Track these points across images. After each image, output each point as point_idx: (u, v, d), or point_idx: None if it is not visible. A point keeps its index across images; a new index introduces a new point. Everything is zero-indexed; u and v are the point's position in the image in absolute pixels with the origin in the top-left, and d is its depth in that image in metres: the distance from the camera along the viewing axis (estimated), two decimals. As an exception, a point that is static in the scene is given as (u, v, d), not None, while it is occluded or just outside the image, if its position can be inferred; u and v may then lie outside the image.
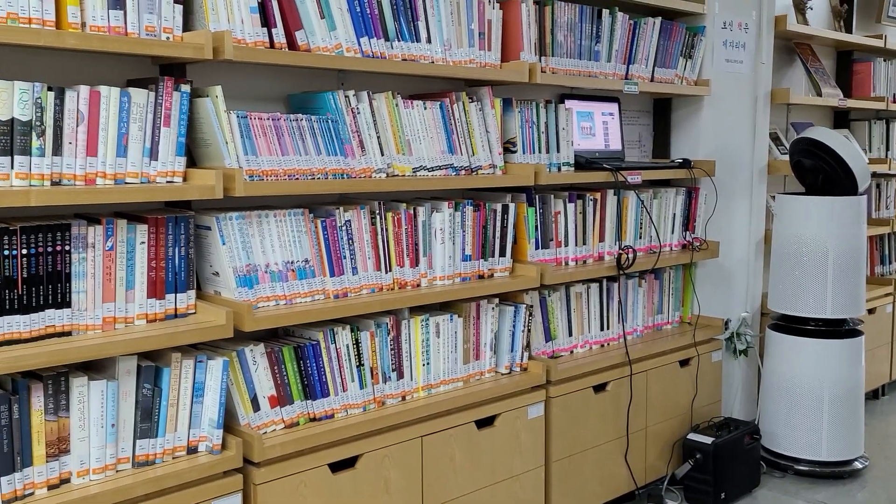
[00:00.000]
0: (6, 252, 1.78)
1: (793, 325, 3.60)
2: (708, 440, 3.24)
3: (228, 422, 2.12)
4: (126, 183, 1.94)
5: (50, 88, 1.81)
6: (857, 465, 3.60)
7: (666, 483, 3.29)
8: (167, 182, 2.02)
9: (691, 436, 3.29)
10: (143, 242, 1.99)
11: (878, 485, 3.50)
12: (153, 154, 1.99)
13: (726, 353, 3.73)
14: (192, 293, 2.09)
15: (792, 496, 3.38)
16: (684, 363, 3.39)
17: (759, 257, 3.92)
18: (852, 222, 3.50)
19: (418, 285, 2.52)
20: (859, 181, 3.53)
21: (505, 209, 2.73)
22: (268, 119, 2.18)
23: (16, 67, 1.99)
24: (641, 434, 3.20)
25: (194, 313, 2.10)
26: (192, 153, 2.20)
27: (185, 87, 2.04)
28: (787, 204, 3.59)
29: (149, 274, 2.01)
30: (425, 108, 2.54)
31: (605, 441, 3.04)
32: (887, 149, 4.90)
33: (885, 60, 4.78)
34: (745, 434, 3.36)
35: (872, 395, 4.71)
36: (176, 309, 2.06)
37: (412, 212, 2.49)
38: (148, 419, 1.97)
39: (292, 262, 2.24)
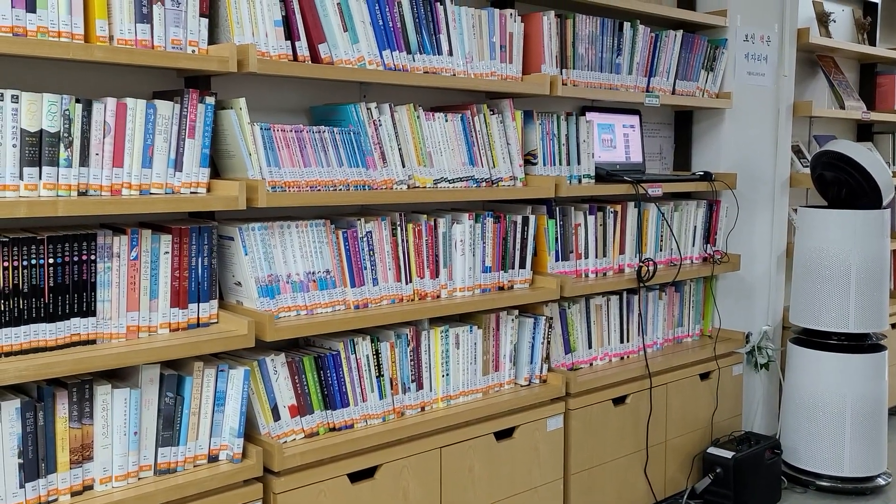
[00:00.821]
0: (33, 261, 1.81)
1: (815, 339, 3.57)
2: (728, 454, 3.21)
3: (249, 431, 2.14)
4: (151, 194, 1.97)
5: (78, 101, 1.84)
6: (881, 481, 3.56)
7: (686, 497, 3.26)
8: (191, 193, 2.04)
9: (711, 450, 3.27)
10: (166, 252, 2.01)
11: (901, 502, 3.47)
12: (178, 165, 2.02)
13: (747, 367, 3.71)
14: (215, 303, 2.11)
15: (814, 512, 3.35)
16: (705, 376, 3.37)
17: (780, 270, 3.89)
18: (876, 236, 3.47)
19: (438, 296, 2.53)
20: (884, 193, 3.50)
21: (525, 221, 2.74)
22: (291, 131, 2.20)
23: (45, 80, 2.03)
24: (661, 447, 3.19)
25: (216, 322, 2.12)
26: (216, 164, 2.22)
27: (210, 100, 2.06)
28: (810, 217, 3.56)
29: (172, 283, 2.03)
30: (446, 121, 2.55)
31: (625, 454, 3.03)
32: (911, 162, 4.85)
33: (909, 73, 4.75)
34: (766, 448, 3.33)
35: (892, 412, 4.64)
36: (199, 318, 2.08)
37: (433, 223, 2.50)
38: (170, 427, 1.99)
39: (313, 273, 2.26)
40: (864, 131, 4.79)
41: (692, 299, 3.47)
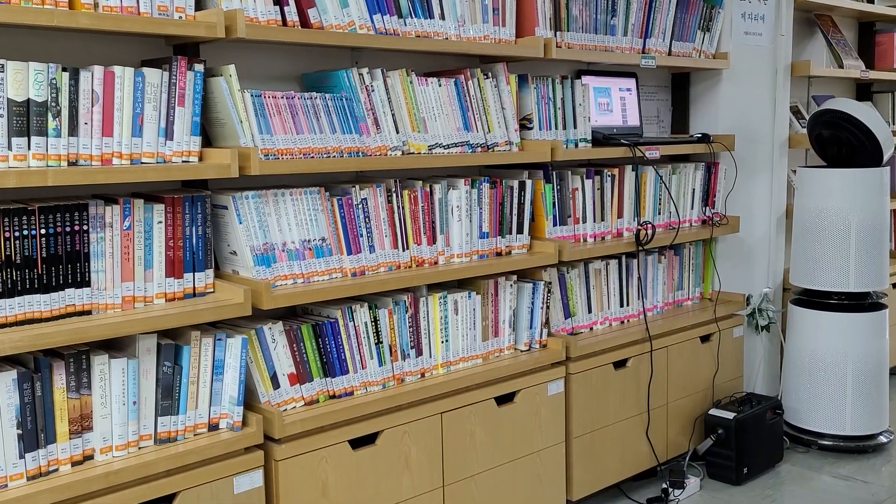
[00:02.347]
0: (25, 232, 1.80)
1: (815, 300, 3.56)
2: (730, 415, 3.22)
3: (248, 399, 2.14)
4: (142, 163, 1.95)
5: (64, 69, 1.82)
6: (882, 438, 3.57)
7: (688, 459, 3.27)
8: (183, 162, 2.03)
9: (713, 411, 3.27)
10: (160, 222, 2.00)
11: (903, 459, 3.47)
12: (168, 134, 2.00)
13: (748, 329, 3.70)
14: (210, 272, 2.10)
15: (816, 471, 3.36)
16: (705, 339, 3.37)
17: (780, 232, 3.87)
18: (875, 194, 3.45)
19: (436, 263, 2.52)
20: (884, 149, 3.48)
21: (522, 186, 2.72)
22: (282, 98, 2.18)
23: (31, 49, 2.00)
24: (662, 410, 3.19)
25: (213, 292, 2.11)
26: (207, 133, 2.20)
27: (199, 67, 2.04)
28: (809, 177, 3.54)
29: (167, 253, 2.02)
30: (440, 86, 2.53)
31: (626, 417, 3.03)
32: (911, 121, 4.82)
33: (908, 31, 4.70)
34: (768, 409, 3.34)
35: (893, 371, 4.65)
36: (195, 288, 2.07)
37: (429, 189, 2.49)
38: (169, 396, 1.99)
39: (309, 241, 2.25)
40: (864, 91, 4.75)
41: (692, 262, 3.46)
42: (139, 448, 1.96)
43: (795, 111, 4.09)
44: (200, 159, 2.07)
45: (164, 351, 1.97)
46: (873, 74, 4.33)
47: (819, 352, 3.53)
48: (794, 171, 4.19)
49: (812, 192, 3.52)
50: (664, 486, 3.09)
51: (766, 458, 3.35)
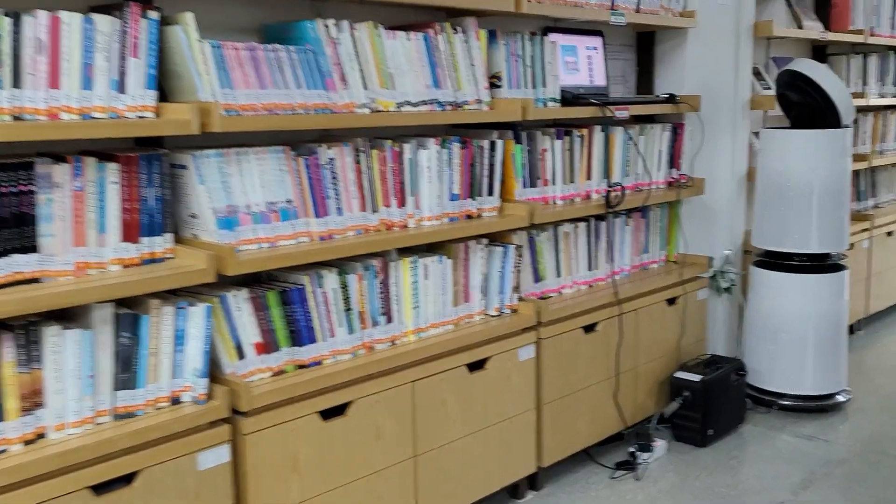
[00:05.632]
0: (-34, 193, 1.64)
1: (777, 262, 3.56)
2: (696, 377, 3.21)
3: (213, 371, 2.02)
4: (93, 118, 1.80)
5: (6, 14, 1.65)
6: (840, 398, 3.61)
7: (655, 421, 3.26)
8: (138, 117, 1.88)
9: (679, 374, 3.26)
10: (114, 182, 1.85)
11: (861, 417, 3.52)
12: (121, 87, 1.85)
13: (710, 292, 3.70)
14: (170, 236, 1.97)
15: (778, 430, 3.38)
16: (671, 302, 3.34)
17: (741, 194, 3.86)
18: (837, 156, 3.45)
19: (405, 226, 2.42)
20: (842, 114, 3.47)
21: (493, 146, 2.63)
22: (244, 49, 2.04)
23: (-34, -7, 1.82)
24: (631, 374, 3.16)
25: (172, 258, 1.98)
26: (164, 86, 2.05)
27: (154, 14, 1.88)
28: (772, 138, 3.52)
29: (122, 216, 1.87)
30: (408, 39, 2.40)
31: (596, 382, 2.99)
32: (864, 83, 4.85)
33: (864, -7, 4.71)
34: (732, 371, 3.34)
35: (850, 330, 4.75)
36: (153, 253, 1.94)
37: (398, 149, 2.37)
38: (127, 369, 1.86)
39: (275, 203, 2.12)
40: (819, 53, 4.76)
41: (657, 225, 3.42)
42: (96, 424, 1.83)
43: (756, 73, 4.06)
44: (157, 114, 1.92)
45: (121, 321, 1.84)
46: (830, 36, 4.32)
47: (781, 313, 3.54)
48: (756, 134, 4.19)
49: (775, 154, 3.50)
50: (631, 449, 3.07)
51: (731, 420, 3.36)
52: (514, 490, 2.78)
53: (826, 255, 3.55)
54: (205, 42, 1.97)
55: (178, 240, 2.05)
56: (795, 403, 3.56)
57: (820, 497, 2.81)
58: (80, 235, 1.81)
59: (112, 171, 1.85)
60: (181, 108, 1.89)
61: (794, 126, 3.59)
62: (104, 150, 1.93)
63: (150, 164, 1.91)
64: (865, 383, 3.92)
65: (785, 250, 3.51)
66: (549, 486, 2.89)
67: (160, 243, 1.95)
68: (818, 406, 3.56)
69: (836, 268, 3.55)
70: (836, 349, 3.56)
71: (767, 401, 3.60)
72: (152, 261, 1.94)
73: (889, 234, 4.89)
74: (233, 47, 2.02)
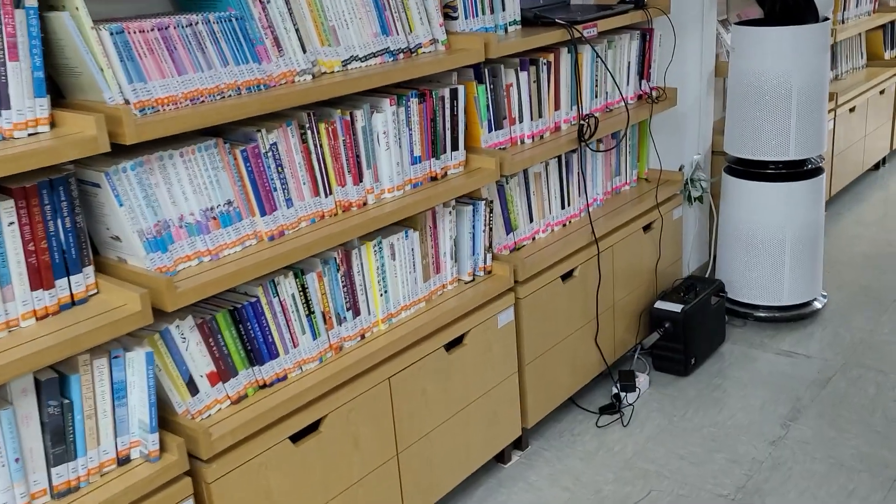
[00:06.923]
0: None
1: (751, 170, 3.35)
2: (677, 307, 3.04)
3: (163, 413, 1.74)
4: (-29, 148, 1.42)
5: None
6: (816, 304, 3.51)
7: (636, 355, 3.12)
8: (28, 136, 1.50)
9: (659, 304, 3.09)
10: (11, 223, 1.50)
11: (837, 321, 3.43)
12: (3, 102, 1.46)
13: (684, 205, 3.48)
14: (90, 270, 1.63)
15: (757, 348, 3.28)
16: (647, 228, 3.12)
17: (710, 92, 3.59)
18: (816, 52, 3.17)
19: (365, 203, 2.10)
20: (819, 7, 3.17)
21: (454, 94, 2.28)
22: (152, 30, 1.64)
23: None
24: (609, 313, 2.97)
25: (97, 293, 1.65)
26: (57, 84, 1.65)
27: (30, 2, 1.47)
28: (746, 35, 3.21)
29: (28, 260, 1.53)
30: (349, -19, 2.00)
31: (576, 329, 2.80)
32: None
33: None
34: (712, 294, 3.18)
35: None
36: (72, 295, 1.61)
37: (349, 118, 2.02)
38: (61, 441, 1.57)
39: (212, 209, 1.78)
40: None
41: (628, 143, 3.15)
42: (34, 508, 1.56)
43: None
44: (52, 126, 1.54)
45: (45, 388, 1.53)
46: None
47: (756, 223, 3.36)
48: (723, 23, 3.88)
49: (749, 53, 3.20)
50: (615, 391, 2.93)
51: (712, 342, 3.24)
52: (500, 455, 2.63)
53: (804, 161, 3.34)
54: (101, 28, 1.56)
55: (101, 265, 1.71)
56: (771, 314, 3.45)
57: (811, 430, 2.72)
58: (-22, 293, 1.47)
59: (7, 209, 1.49)
60: (83, 121, 1.51)
61: (768, 19, 3.28)
62: (-8, 178, 1.55)
63: (54, 192, 1.55)
64: (838, 278, 3.83)
65: (761, 158, 3.29)
66: (534, 443, 2.75)
67: (80, 281, 1.61)
68: (795, 315, 3.45)
69: (814, 172, 3.36)
70: (813, 256, 3.42)
71: (742, 313, 3.48)
72: (72, 303, 1.61)
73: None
74: (138, 30, 1.61)
